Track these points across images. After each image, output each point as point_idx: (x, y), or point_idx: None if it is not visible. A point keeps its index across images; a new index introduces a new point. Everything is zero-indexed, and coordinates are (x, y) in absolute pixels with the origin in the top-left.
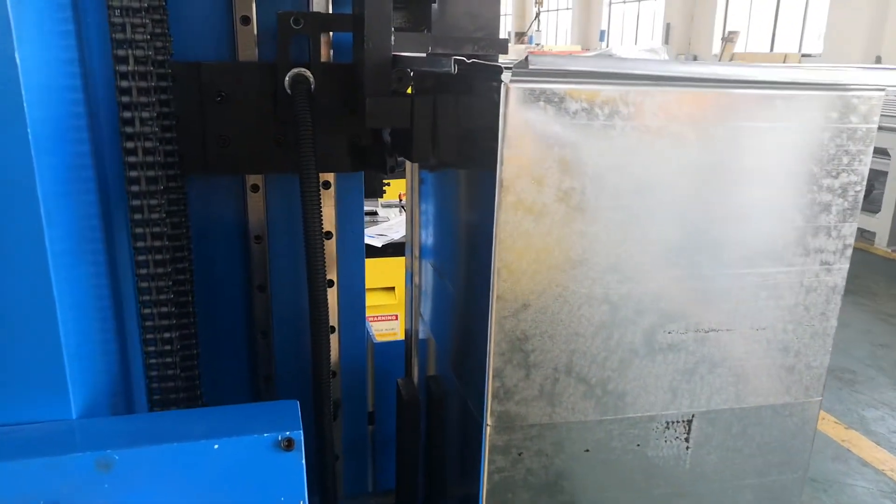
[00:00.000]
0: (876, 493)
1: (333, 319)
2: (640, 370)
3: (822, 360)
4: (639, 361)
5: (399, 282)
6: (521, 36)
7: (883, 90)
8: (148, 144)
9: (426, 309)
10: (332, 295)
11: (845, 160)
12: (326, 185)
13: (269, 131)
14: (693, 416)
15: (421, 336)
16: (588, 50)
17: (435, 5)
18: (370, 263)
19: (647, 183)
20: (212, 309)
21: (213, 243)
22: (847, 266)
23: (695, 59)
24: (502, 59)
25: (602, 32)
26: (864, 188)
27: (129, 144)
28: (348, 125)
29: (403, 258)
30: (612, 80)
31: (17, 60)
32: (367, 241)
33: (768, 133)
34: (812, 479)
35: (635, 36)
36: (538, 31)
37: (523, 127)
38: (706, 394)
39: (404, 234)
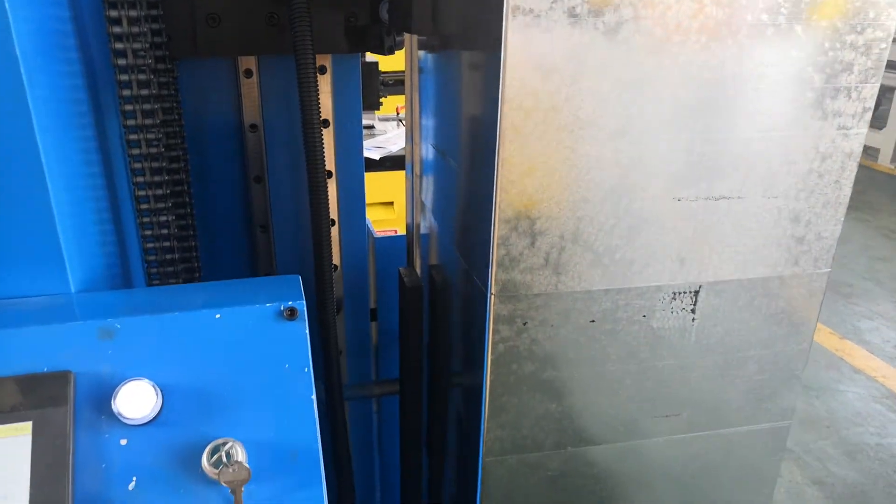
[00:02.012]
0: (867, 398)
1: (333, 212)
2: (649, 238)
3: (832, 230)
4: (647, 229)
5: (398, 196)
6: None
7: None
8: (132, 13)
9: (428, 195)
10: (331, 186)
11: (872, 13)
12: (322, 69)
13: (262, 9)
14: (700, 286)
15: (423, 231)
16: None
17: None
18: (368, 178)
19: (660, 39)
20: (209, 203)
21: (207, 134)
22: (865, 131)
23: None
24: None
25: None
26: (889, 45)
27: (113, 13)
28: (344, 3)
29: (403, 171)
30: None
31: None
32: (365, 154)
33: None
34: (805, 386)
35: None
36: None
37: None
38: (714, 264)
39: (403, 146)
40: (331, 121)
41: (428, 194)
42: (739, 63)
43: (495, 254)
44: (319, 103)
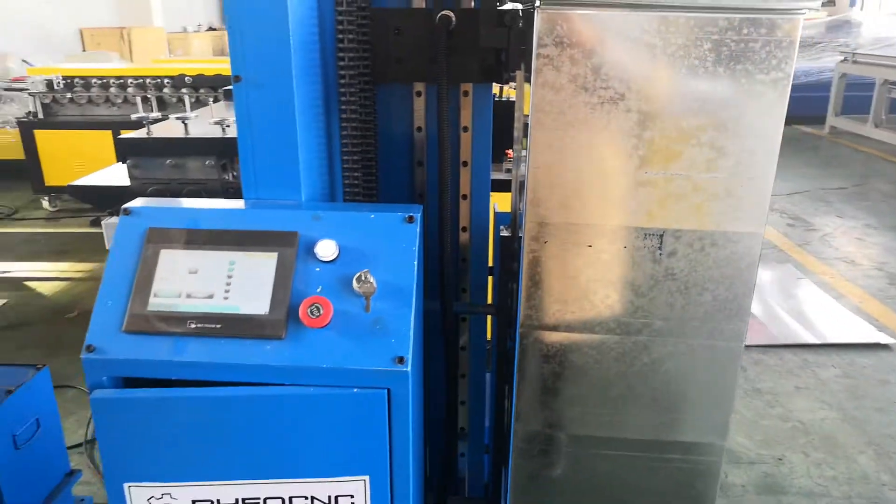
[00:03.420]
0: None
1: (466, 190)
2: (626, 198)
3: (764, 195)
4: (627, 192)
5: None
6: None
7: (802, 13)
8: (352, 55)
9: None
10: (465, 173)
11: (774, 62)
12: (466, 93)
13: (426, 54)
14: (664, 231)
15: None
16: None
17: None
18: None
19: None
20: (388, 176)
21: (390, 131)
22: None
23: None
24: None
25: None
26: (790, 84)
27: (341, 56)
28: (478, 49)
29: None
30: (604, 7)
31: (287, 5)
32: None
33: (721, 42)
34: None
35: None
36: None
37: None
38: (673, 218)
39: None
40: (469, 128)
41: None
42: (691, 89)
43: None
44: (447, 114)
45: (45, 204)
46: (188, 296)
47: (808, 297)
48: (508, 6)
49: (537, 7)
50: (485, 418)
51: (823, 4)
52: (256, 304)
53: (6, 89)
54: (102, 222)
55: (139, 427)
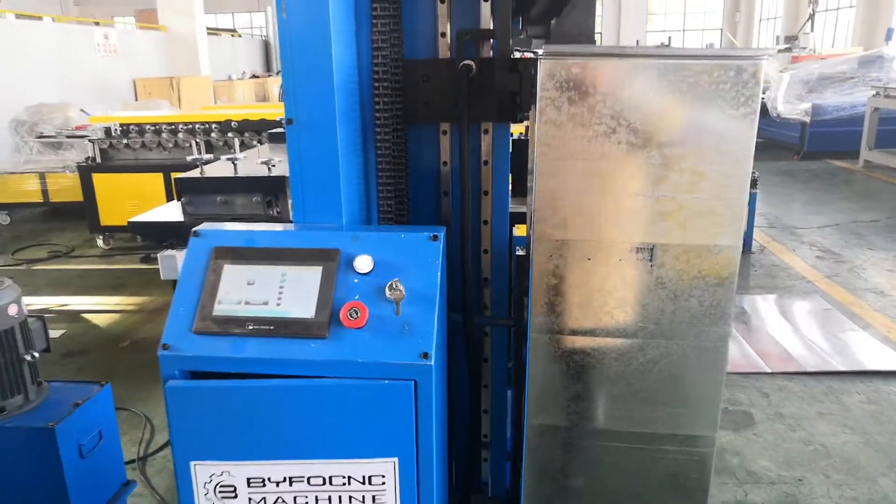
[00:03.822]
0: None
1: (487, 215)
2: (620, 217)
3: (740, 212)
4: (621, 211)
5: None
6: (791, 39)
7: (763, 59)
8: (386, 100)
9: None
10: (486, 201)
11: (742, 99)
12: (486, 131)
13: (450, 99)
14: (654, 245)
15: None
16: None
17: (554, 22)
18: None
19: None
20: (417, 205)
21: (420, 165)
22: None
23: None
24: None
25: (890, 31)
26: (757, 117)
27: (377, 101)
28: (495, 93)
29: None
30: (594, 56)
31: (333, 55)
32: None
33: (696, 84)
34: None
35: None
36: (807, 33)
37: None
38: (662, 234)
39: None
40: (489, 161)
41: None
42: (671, 122)
43: (535, 218)
44: (468, 149)
45: (100, 242)
46: (247, 303)
47: (834, 327)
48: (518, 55)
49: (540, 57)
50: (507, 428)
51: (780, 50)
52: (304, 309)
53: (69, 136)
54: (158, 255)
55: (204, 413)
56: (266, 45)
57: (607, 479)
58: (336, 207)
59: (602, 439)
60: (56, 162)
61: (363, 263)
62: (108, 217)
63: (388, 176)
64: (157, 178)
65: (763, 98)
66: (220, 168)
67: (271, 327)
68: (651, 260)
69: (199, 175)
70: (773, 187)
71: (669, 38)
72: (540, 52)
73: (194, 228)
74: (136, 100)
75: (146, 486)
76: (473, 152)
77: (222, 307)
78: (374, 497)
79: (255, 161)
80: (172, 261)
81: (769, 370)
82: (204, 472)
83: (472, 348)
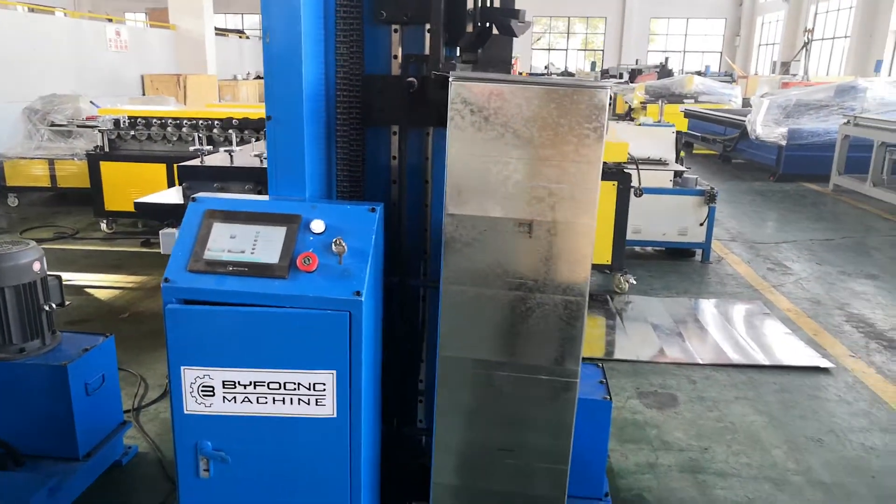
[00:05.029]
0: None
1: (428, 200)
2: (507, 199)
3: (594, 196)
4: (507, 195)
5: None
6: (786, 66)
7: (607, 87)
8: (347, 105)
9: None
10: (427, 188)
11: (593, 116)
12: (427, 133)
13: (401, 106)
14: (532, 221)
15: None
16: (860, 78)
17: (480, 51)
18: None
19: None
20: (370, 188)
21: (375, 159)
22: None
23: None
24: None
25: (879, 63)
26: (605, 132)
27: (339, 106)
28: (433, 104)
29: None
30: (488, 81)
31: (303, 71)
32: None
33: (561, 103)
34: None
35: None
36: (798, 61)
37: (456, 92)
38: (538, 213)
39: None
40: (429, 157)
41: None
42: (553, 143)
43: (448, 194)
44: (408, 148)
45: (103, 226)
46: (229, 251)
47: (767, 329)
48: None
49: (451, 81)
50: None
51: (659, 76)
52: (271, 257)
53: (79, 126)
54: (160, 232)
55: (193, 330)
56: None
57: (498, 400)
58: (301, 185)
59: (495, 369)
60: (65, 149)
61: (317, 226)
62: (112, 203)
63: (345, 164)
64: (161, 169)
65: (744, 121)
66: (217, 158)
67: (246, 269)
68: (530, 232)
69: (199, 164)
70: (745, 205)
71: (667, 58)
72: (451, 76)
73: (193, 195)
74: (144, 94)
75: (139, 430)
76: (418, 150)
77: (210, 253)
78: (317, 400)
79: (249, 154)
80: (172, 238)
81: (700, 361)
82: (190, 375)
83: (407, 304)
